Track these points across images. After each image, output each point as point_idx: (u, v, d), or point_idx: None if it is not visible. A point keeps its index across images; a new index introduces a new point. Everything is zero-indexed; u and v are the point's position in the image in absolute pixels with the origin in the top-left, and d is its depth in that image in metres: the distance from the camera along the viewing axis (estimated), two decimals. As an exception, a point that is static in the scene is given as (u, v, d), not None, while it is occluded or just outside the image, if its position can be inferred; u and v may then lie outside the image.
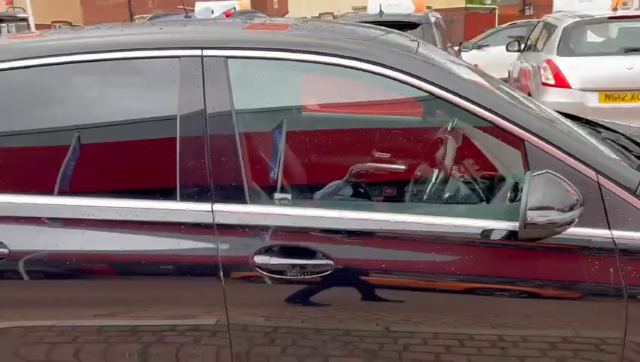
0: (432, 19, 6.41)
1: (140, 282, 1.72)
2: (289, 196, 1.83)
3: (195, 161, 1.68)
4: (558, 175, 1.59)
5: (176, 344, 1.74)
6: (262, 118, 2.01)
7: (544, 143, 1.66)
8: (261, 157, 1.95)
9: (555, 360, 1.71)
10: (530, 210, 1.52)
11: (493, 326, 1.70)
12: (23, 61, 1.77)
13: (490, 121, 1.69)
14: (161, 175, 1.77)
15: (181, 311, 1.71)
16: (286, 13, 30.98)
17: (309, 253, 1.66)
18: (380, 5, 6.39)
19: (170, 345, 1.74)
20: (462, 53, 8.28)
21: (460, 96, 1.68)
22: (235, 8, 7.15)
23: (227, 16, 6.77)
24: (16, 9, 21.33)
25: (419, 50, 1.97)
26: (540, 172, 1.58)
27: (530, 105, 1.98)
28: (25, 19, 24.11)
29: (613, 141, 2.21)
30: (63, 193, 1.77)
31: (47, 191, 1.77)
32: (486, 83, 1.96)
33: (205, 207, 1.68)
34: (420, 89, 1.70)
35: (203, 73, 1.72)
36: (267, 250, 1.66)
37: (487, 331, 1.70)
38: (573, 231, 1.62)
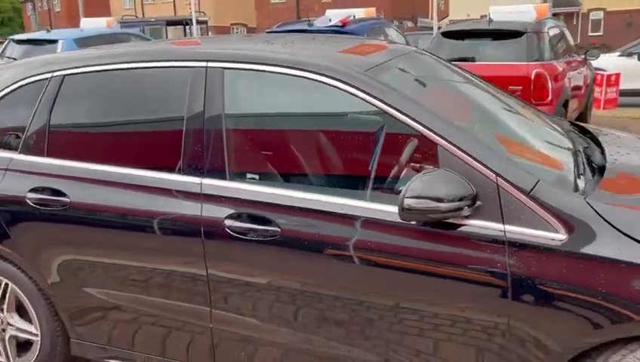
0: (543, 28, 6.40)
1: (153, 232, 2.36)
2: (257, 177, 2.35)
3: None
4: (452, 172, 1.92)
5: (173, 281, 2.36)
6: (247, 119, 2.56)
7: (452, 147, 1.98)
8: (242, 148, 2.46)
9: (446, 334, 2.02)
10: (407, 197, 1.87)
11: (392, 297, 2.06)
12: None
13: (415, 130, 2.07)
14: (173, 156, 2.39)
15: (177, 257, 2.33)
16: (446, 16, 30.80)
17: (265, 221, 2.17)
18: (489, 14, 6.60)
19: (171, 283, 2.37)
20: (591, 61, 7.95)
21: (397, 110, 2.08)
22: (354, 16, 7.64)
23: (344, 24, 7.30)
24: (199, 13, 24.07)
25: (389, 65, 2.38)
26: (433, 170, 1.92)
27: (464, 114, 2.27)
28: (205, 22, 26.84)
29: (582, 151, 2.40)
30: (110, 163, 2.48)
31: (100, 161, 2.49)
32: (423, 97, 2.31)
33: (196, 180, 2.28)
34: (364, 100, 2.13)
35: (205, 81, 2.34)
36: (235, 216, 2.21)
37: (386, 301, 2.06)
38: (474, 222, 1.93)
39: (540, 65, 6.02)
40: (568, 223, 1.86)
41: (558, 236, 1.86)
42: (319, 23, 7.63)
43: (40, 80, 2.60)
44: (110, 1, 43.85)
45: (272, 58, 2.30)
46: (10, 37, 10.31)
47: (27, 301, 2.66)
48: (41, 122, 2.57)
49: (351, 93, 2.15)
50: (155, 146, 2.51)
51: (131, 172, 2.41)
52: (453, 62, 3.31)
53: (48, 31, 10.52)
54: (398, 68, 2.49)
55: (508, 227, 1.90)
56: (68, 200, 2.45)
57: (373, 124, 2.47)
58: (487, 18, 6.68)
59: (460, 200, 1.88)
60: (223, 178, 2.27)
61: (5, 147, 2.64)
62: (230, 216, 2.21)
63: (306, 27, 7.56)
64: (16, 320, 2.75)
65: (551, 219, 1.87)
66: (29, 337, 2.71)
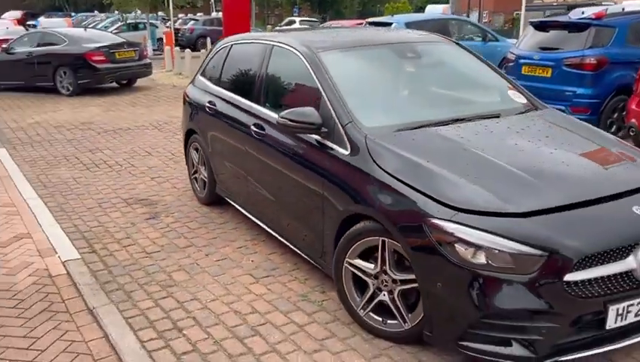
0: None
1: (240, 130, 4.29)
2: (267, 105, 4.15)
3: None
4: (314, 110, 3.41)
5: (242, 156, 4.38)
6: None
7: (326, 101, 3.45)
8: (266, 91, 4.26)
9: (300, 192, 3.61)
10: (280, 116, 3.48)
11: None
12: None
13: (317, 87, 3.60)
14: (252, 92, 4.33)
15: (244, 144, 4.29)
16: None
17: (262, 127, 4.03)
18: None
19: (242, 156, 4.39)
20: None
21: (315, 76, 3.67)
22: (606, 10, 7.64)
23: (598, 17, 7.35)
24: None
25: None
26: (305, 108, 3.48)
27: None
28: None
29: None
30: (236, 93, 4.58)
31: (233, 91, 4.65)
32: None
33: (249, 103, 4.31)
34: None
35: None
36: (255, 124, 4.10)
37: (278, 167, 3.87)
38: (329, 143, 3.35)
39: None
40: (352, 146, 3.19)
41: (345, 152, 3.22)
42: (573, 15, 7.93)
43: (225, 46, 5.06)
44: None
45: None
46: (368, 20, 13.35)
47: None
48: (220, 68, 5.00)
49: (302, 60, 3.79)
50: (249, 85, 4.39)
51: (240, 98, 4.43)
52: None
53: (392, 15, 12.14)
54: (350, 53, 3.95)
55: (334, 145, 3.33)
56: (216, 108, 4.74)
57: (304, 79, 3.80)
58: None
59: (310, 124, 3.37)
60: (259, 104, 4.17)
61: (209, 80, 5.15)
62: (253, 125, 4.10)
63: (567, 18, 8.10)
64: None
65: (346, 142, 3.23)
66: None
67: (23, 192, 5.88)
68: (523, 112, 3.72)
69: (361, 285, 3.16)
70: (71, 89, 12.38)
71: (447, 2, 23.42)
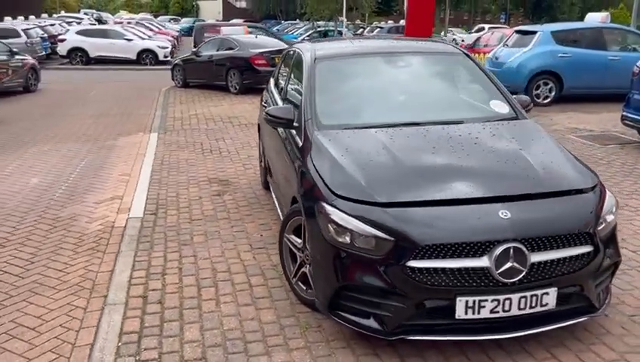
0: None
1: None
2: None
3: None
4: (292, 108, 4.12)
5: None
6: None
7: (304, 102, 4.01)
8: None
9: (288, 161, 4.07)
10: (265, 112, 4.21)
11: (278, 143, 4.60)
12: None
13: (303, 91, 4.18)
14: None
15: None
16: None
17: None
18: None
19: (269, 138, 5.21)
20: None
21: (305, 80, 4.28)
22: None
23: None
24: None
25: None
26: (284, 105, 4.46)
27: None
28: None
29: None
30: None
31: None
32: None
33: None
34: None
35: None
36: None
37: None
38: (296, 137, 3.94)
39: None
40: (305, 139, 3.72)
41: (300, 144, 3.78)
42: None
43: (289, 52, 5.59)
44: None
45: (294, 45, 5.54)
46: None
47: None
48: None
49: (304, 66, 4.42)
50: (281, 84, 5.35)
51: (275, 94, 5.34)
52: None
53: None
54: (343, 61, 4.51)
55: (297, 138, 3.91)
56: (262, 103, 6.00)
57: (302, 81, 4.36)
58: None
59: (284, 119, 4.03)
60: (281, 100, 4.96)
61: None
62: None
63: None
64: None
65: (306, 134, 3.74)
66: None
67: (144, 166, 7.32)
68: (490, 120, 3.84)
69: (294, 257, 3.68)
70: (237, 88, 14.21)
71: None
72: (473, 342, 3.05)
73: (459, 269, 2.79)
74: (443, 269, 2.79)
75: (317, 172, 3.33)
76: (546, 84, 11.48)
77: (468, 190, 3.01)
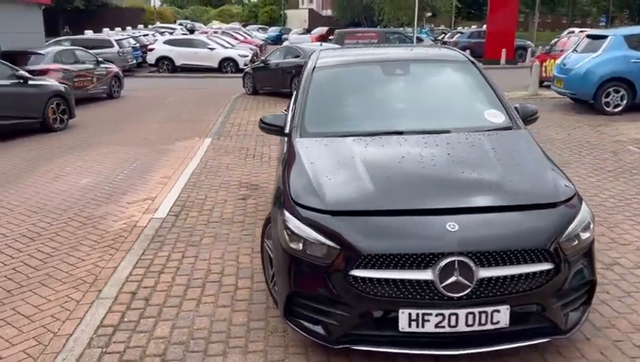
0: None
1: None
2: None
3: None
4: (285, 115, 4.31)
5: None
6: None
7: (296, 107, 4.08)
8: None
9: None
10: (259, 120, 4.21)
11: None
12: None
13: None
14: None
15: None
16: None
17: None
18: None
19: None
20: None
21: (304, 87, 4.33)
22: None
23: None
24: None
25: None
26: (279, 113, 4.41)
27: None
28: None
29: None
30: None
31: None
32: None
33: None
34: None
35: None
36: None
37: None
38: (286, 143, 3.95)
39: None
40: (289, 146, 3.73)
41: (284, 150, 3.87)
42: None
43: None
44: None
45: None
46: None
47: None
48: None
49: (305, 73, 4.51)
50: None
51: None
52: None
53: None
54: (341, 69, 4.59)
55: (285, 144, 3.97)
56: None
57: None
58: None
59: (275, 126, 4.14)
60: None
61: None
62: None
63: None
64: None
65: (290, 141, 3.80)
66: None
67: (186, 169, 7.64)
68: (480, 130, 3.71)
69: (271, 262, 3.71)
70: (301, 95, 14.47)
71: None
72: (427, 354, 2.96)
73: (402, 281, 2.72)
74: (386, 280, 2.74)
75: (288, 179, 3.36)
76: (617, 91, 10.77)
77: (420, 201, 2.94)
